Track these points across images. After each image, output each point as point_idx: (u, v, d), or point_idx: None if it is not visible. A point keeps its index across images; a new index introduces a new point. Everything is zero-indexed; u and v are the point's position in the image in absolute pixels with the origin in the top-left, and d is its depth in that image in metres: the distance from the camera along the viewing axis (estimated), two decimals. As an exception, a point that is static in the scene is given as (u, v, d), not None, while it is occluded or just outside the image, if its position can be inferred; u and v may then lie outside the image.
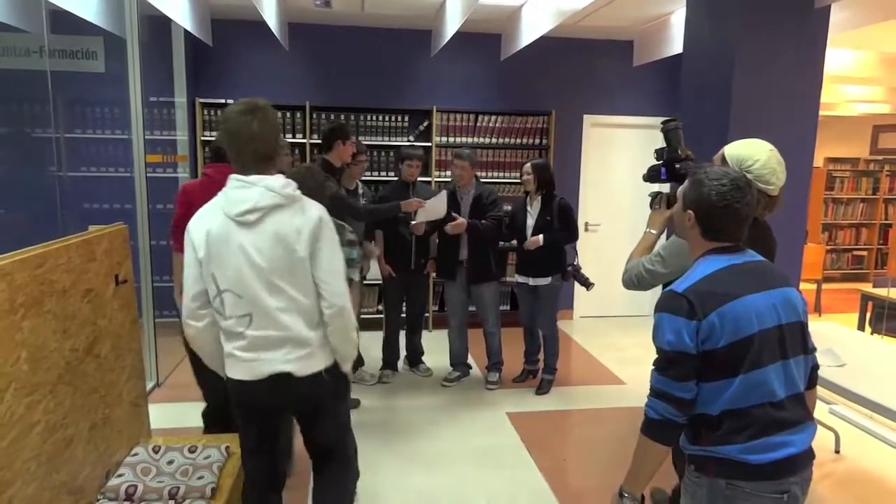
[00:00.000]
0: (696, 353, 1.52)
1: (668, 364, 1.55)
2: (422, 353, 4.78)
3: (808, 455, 1.59)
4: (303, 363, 2.01)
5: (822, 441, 3.66)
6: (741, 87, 3.38)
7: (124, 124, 4.48)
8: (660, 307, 1.59)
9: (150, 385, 4.30)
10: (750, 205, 1.58)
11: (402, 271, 4.41)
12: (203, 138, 5.41)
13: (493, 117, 5.84)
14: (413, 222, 4.16)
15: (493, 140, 5.88)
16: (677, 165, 2.39)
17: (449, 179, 4.96)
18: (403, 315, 4.67)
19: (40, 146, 4.21)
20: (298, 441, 2.44)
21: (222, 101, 5.40)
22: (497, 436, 3.74)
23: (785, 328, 1.56)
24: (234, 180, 1.97)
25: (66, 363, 2.08)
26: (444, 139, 5.77)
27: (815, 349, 1.70)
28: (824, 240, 8.66)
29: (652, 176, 2.47)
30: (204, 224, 1.97)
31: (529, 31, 4.83)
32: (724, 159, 2.15)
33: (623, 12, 5.09)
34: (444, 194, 4.11)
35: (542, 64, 5.93)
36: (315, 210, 2.02)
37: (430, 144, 5.72)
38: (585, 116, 6.13)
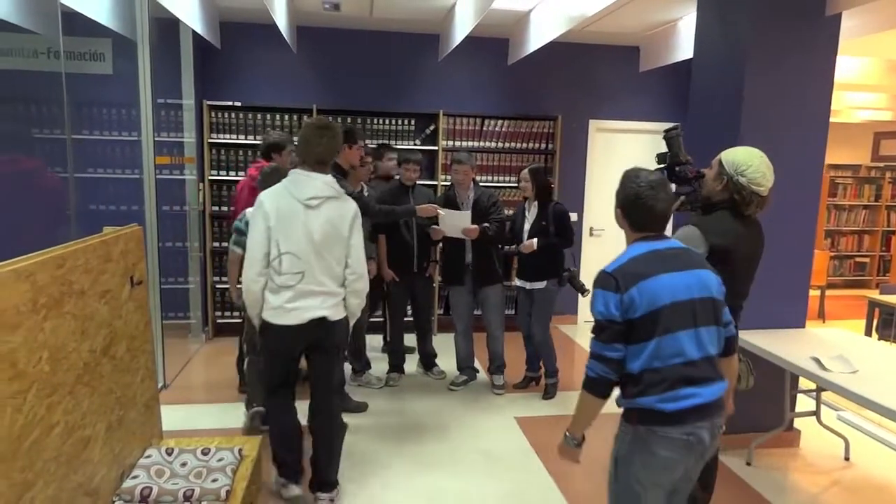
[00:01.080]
0: (622, 321, 1.82)
1: (600, 330, 1.86)
2: (434, 356, 4.78)
3: (716, 406, 1.86)
4: (334, 310, 2.72)
5: (831, 448, 3.66)
6: (752, 92, 3.39)
7: (132, 126, 4.48)
8: (595, 284, 1.92)
9: (157, 387, 4.29)
10: (664, 201, 1.91)
11: (405, 275, 4.42)
12: (210, 140, 5.41)
13: (500, 121, 5.85)
14: (433, 227, 4.18)
15: (499, 144, 5.89)
16: (677, 168, 2.66)
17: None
18: (407, 318, 4.68)
19: (50, 147, 4.20)
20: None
21: (229, 103, 5.41)
22: (506, 439, 3.74)
23: (696, 302, 1.84)
24: (297, 173, 2.70)
25: (84, 364, 2.08)
26: (451, 143, 5.78)
27: (730, 323, 1.97)
28: (827, 246, 8.68)
29: None
30: (275, 201, 2.65)
31: (537, 37, 4.85)
32: (720, 164, 2.40)
33: (630, 18, 5.10)
34: (468, 214, 4.14)
35: (549, 69, 5.95)
36: (353, 203, 2.79)
37: (436, 148, 5.72)
38: (591, 121, 6.14)
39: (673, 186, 2.62)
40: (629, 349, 1.83)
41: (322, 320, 2.66)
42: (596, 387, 1.87)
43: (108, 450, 2.25)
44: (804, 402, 3.76)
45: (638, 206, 1.91)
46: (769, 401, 3.59)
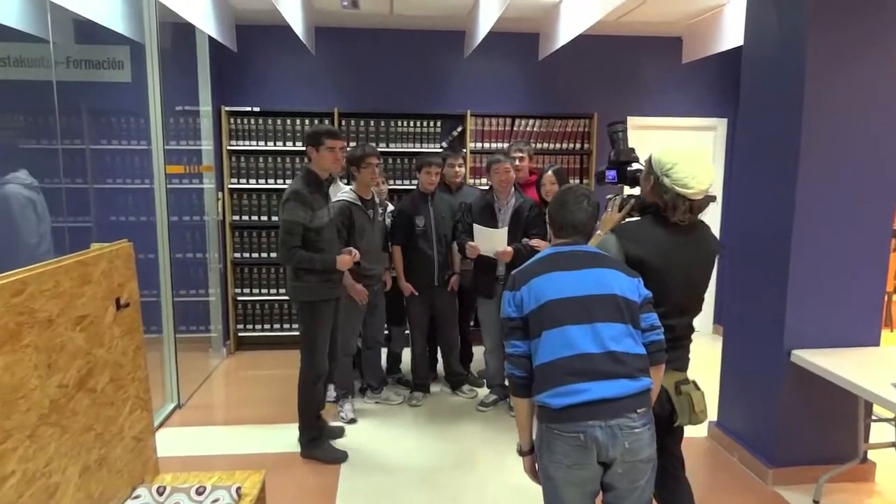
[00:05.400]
0: (517, 317, 1.90)
1: (504, 328, 1.94)
2: (462, 374, 4.48)
3: (613, 404, 1.75)
4: None
5: (912, 483, 3.22)
6: (814, 83, 2.99)
7: (146, 134, 4.32)
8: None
9: (170, 407, 4.11)
10: (584, 212, 2.01)
11: (425, 288, 4.14)
12: (229, 148, 5.22)
13: (531, 121, 5.51)
14: (469, 244, 3.87)
15: (531, 145, 5.53)
16: (629, 168, 2.48)
17: (485, 187, 4.61)
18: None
19: (70, 158, 4.08)
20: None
21: (248, 108, 5.22)
22: (538, 469, 3.40)
23: (592, 298, 1.84)
24: None
25: (51, 401, 1.84)
26: (479, 145, 5.47)
27: (652, 329, 1.89)
28: (892, 246, 8.02)
29: (599, 179, 2.60)
30: None
31: (568, 29, 4.50)
32: (649, 162, 2.19)
33: (670, 6, 4.72)
34: (503, 232, 3.81)
35: (583, 63, 5.59)
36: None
37: (464, 151, 5.42)
38: (630, 119, 5.73)
39: (626, 189, 2.46)
40: (532, 346, 1.88)
41: None
42: (512, 386, 1.95)
43: (82, 495, 2.01)
44: (881, 431, 3.31)
45: (562, 212, 2.02)
46: (840, 430, 3.18)
